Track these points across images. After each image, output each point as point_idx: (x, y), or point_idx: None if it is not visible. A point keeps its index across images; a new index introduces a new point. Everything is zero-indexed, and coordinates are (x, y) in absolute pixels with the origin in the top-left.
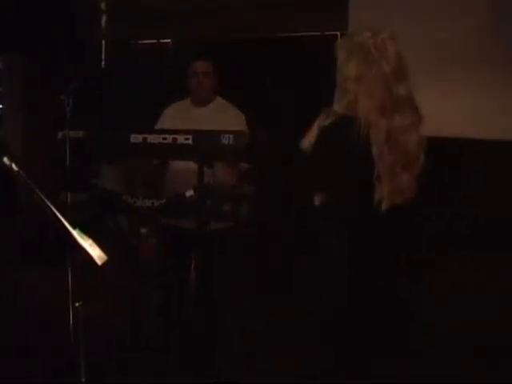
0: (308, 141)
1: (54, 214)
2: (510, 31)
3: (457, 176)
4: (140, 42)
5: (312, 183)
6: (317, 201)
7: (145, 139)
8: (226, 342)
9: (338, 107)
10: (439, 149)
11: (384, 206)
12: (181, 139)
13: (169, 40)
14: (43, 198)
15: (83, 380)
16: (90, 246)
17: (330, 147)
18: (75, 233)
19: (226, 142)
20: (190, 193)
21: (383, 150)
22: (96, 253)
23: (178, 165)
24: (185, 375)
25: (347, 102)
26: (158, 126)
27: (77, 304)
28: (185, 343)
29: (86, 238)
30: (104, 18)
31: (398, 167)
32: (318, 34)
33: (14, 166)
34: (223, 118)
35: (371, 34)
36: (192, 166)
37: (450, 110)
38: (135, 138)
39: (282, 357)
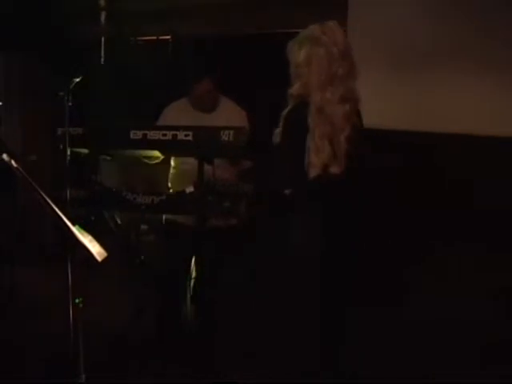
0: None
1: (54, 210)
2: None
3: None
4: (139, 38)
5: (283, 172)
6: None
7: (145, 135)
8: (226, 341)
9: (294, 90)
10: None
11: (311, 175)
12: (181, 135)
13: (168, 36)
14: (43, 194)
15: (82, 379)
16: (90, 242)
17: (291, 131)
18: (75, 229)
19: (226, 139)
20: (190, 189)
21: (316, 122)
22: (96, 249)
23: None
24: (184, 375)
25: (300, 85)
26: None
27: (76, 301)
28: (184, 343)
29: (85, 234)
30: (103, 15)
31: (324, 140)
32: None
33: (13, 162)
34: (225, 116)
35: (319, 24)
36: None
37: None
38: (135, 134)
39: (281, 357)
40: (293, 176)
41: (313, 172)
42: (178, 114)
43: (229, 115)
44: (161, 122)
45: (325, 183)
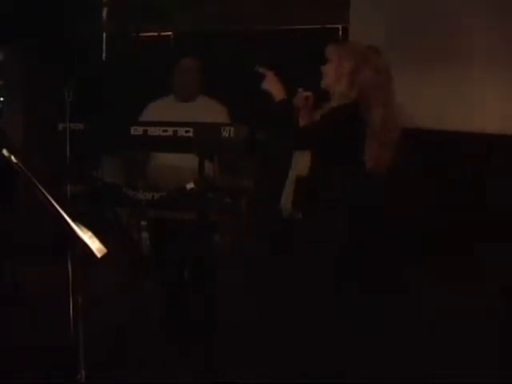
0: None
1: (54, 205)
2: None
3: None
4: (141, 34)
5: None
6: None
7: (145, 131)
8: (226, 340)
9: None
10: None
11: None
12: (181, 132)
13: (170, 33)
14: (42, 189)
15: (82, 376)
16: (90, 238)
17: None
18: (75, 225)
19: (227, 135)
20: (190, 185)
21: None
22: (95, 245)
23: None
24: (184, 375)
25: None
26: (142, 119)
27: (77, 298)
28: (183, 342)
29: (85, 230)
30: (105, 11)
31: None
32: (319, 27)
33: (13, 157)
34: (205, 112)
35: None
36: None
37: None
38: (136, 131)
39: (281, 356)
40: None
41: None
42: (159, 108)
43: (208, 108)
44: (142, 116)
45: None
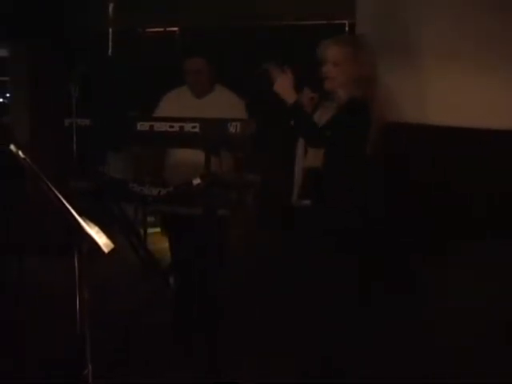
0: None
1: (61, 201)
2: None
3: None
4: (147, 30)
5: None
6: None
7: (151, 127)
8: (227, 341)
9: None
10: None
11: None
12: (188, 127)
13: (176, 28)
14: (49, 185)
15: (89, 369)
16: (97, 233)
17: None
18: (82, 220)
19: (234, 130)
20: (197, 181)
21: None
22: (103, 240)
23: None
24: (185, 375)
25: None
26: (158, 112)
27: (83, 295)
28: (185, 342)
29: (92, 225)
30: (111, 6)
31: None
32: (325, 22)
33: (20, 153)
34: (222, 105)
35: None
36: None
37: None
38: (142, 126)
39: (281, 357)
40: None
41: None
42: (173, 102)
43: (223, 102)
44: (159, 109)
45: None
